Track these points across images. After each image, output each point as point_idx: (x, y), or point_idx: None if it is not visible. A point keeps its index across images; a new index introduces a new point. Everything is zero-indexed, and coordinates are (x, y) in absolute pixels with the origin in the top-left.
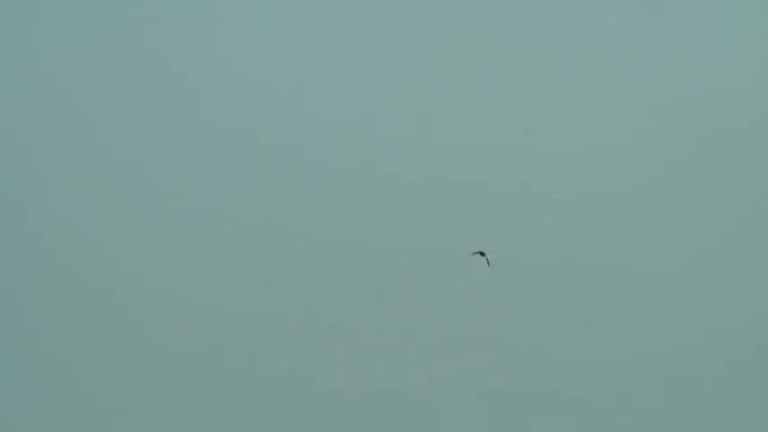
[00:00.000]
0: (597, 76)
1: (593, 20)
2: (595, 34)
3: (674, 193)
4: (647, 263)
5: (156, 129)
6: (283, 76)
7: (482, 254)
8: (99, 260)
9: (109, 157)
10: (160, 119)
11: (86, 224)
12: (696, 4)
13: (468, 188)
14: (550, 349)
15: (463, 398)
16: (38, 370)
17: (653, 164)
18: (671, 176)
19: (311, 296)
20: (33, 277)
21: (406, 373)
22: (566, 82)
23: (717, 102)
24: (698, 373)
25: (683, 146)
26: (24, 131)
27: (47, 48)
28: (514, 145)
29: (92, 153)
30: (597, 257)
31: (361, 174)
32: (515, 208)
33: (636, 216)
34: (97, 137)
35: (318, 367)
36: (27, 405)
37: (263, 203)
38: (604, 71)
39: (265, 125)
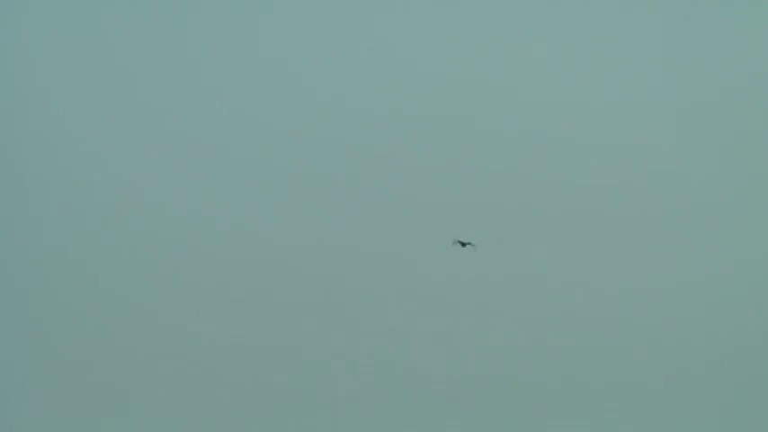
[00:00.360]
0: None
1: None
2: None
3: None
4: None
5: (173, 123)
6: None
7: (463, 244)
8: (115, 256)
9: (128, 152)
10: (172, 113)
11: (98, 221)
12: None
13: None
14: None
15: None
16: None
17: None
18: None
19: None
20: (53, 275)
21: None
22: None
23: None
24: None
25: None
26: (33, 130)
27: (51, 47)
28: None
29: (114, 147)
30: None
31: (374, 165)
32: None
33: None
34: (114, 132)
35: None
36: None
37: (277, 199)
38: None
39: (284, 119)
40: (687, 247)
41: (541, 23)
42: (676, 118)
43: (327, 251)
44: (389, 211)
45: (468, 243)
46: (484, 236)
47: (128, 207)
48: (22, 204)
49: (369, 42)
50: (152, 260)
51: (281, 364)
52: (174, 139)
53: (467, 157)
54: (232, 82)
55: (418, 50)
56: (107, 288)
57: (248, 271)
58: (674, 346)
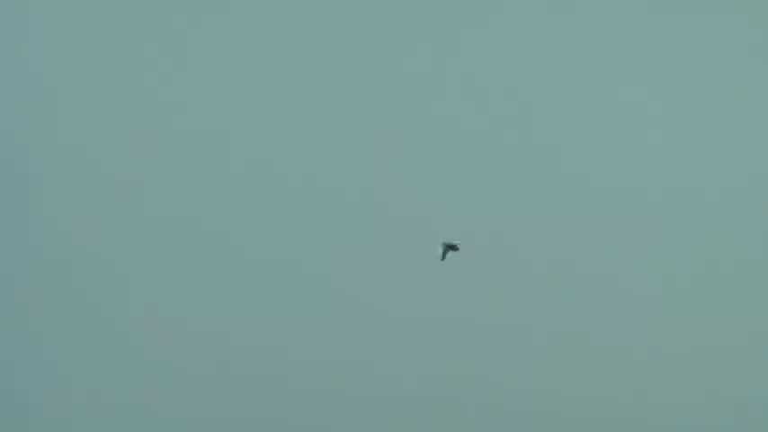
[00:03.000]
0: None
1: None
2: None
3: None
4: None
5: (172, 125)
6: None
7: (453, 247)
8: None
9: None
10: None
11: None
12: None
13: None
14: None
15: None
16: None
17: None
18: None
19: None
20: (55, 274)
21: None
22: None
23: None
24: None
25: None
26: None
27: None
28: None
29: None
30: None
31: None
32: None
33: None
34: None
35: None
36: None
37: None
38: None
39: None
40: (692, 253)
41: (548, 26)
42: (683, 120)
43: (330, 249)
44: (387, 213)
45: (454, 246)
46: (490, 240)
47: (131, 207)
48: (23, 203)
49: (368, 45)
50: (154, 259)
51: (277, 365)
52: (180, 137)
53: (471, 161)
54: (230, 82)
55: (417, 51)
56: (114, 287)
57: (247, 271)
58: (677, 350)
